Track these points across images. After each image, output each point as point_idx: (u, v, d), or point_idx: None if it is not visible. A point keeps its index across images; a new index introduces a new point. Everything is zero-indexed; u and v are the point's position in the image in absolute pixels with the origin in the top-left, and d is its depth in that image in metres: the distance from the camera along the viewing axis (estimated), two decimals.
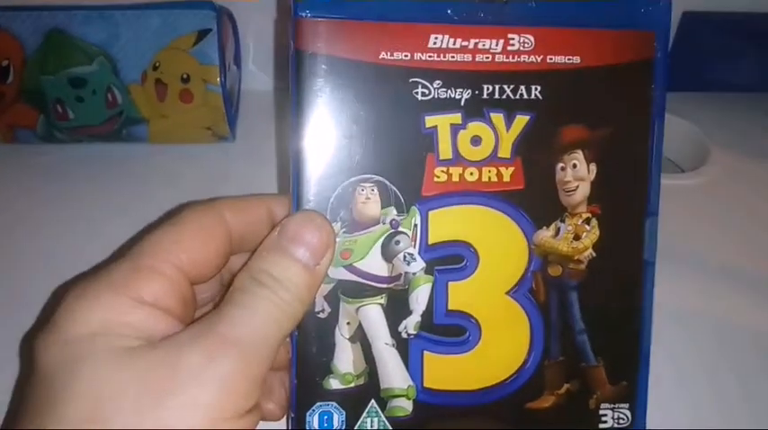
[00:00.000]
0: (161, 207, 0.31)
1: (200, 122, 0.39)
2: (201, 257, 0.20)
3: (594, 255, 0.22)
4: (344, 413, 0.21)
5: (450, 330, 0.22)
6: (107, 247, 0.30)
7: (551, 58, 0.21)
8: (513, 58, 0.21)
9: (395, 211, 0.21)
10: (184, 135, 0.40)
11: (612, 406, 0.23)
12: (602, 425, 0.23)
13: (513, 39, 0.21)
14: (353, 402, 0.21)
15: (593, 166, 0.22)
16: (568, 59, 0.21)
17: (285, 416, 0.22)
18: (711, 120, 0.44)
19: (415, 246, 0.21)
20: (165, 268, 0.19)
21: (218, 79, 0.38)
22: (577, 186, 0.22)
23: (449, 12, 0.20)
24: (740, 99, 0.47)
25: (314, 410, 0.21)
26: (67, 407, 0.16)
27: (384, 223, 0.21)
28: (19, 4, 0.37)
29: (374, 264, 0.21)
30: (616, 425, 0.23)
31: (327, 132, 0.20)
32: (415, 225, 0.21)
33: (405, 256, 0.21)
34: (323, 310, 0.21)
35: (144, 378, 0.16)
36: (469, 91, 0.21)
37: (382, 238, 0.21)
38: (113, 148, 0.40)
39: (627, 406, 0.23)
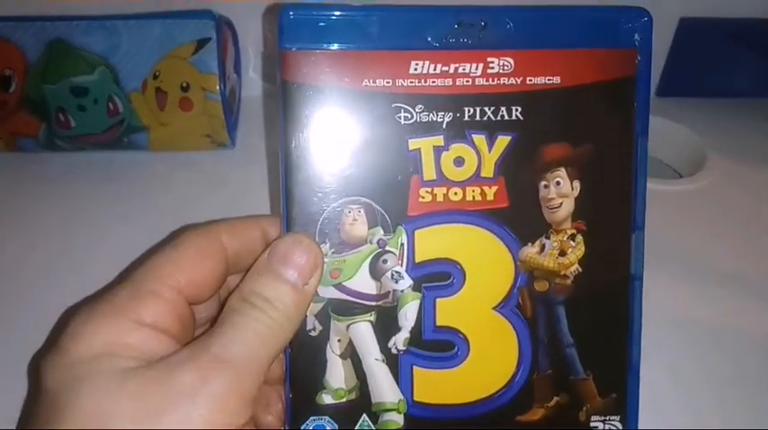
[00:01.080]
0: (162, 214, 0.32)
1: (200, 130, 0.40)
2: (199, 279, 0.21)
3: (580, 270, 0.23)
4: (337, 427, 0.22)
5: (439, 345, 0.22)
6: (110, 256, 0.32)
7: (531, 80, 0.21)
8: (494, 80, 0.21)
9: (382, 231, 0.22)
10: (184, 142, 0.41)
11: (603, 418, 0.23)
12: None
13: (492, 62, 0.21)
14: (346, 416, 0.22)
15: (576, 183, 0.22)
16: (548, 80, 0.22)
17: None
18: (709, 126, 0.44)
19: (402, 265, 0.22)
20: (165, 291, 0.20)
21: (218, 87, 0.38)
22: (561, 203, 0.22)
23: (429, 39, 0.21)
24: (737, 104, 0.47)
25: (308, 424, 0.22)
26: (69, 423, 0.17)
27: (371, 243, 0.22)
28: (22, 14, 0.38)
29: (363, 282, 0.22)
30: None
31: (315, 157, 0.21)
32: (402, 244, 0.22)
33: (392, 274, 0.22)
34: (314, 328, 0.22)
35: (140, 396, 0.17)
36: (451, 114, 0.21)
37: (370, 258, 0.22)
38: (114, 156, 0.41)
39: (617, 418, 0.23)
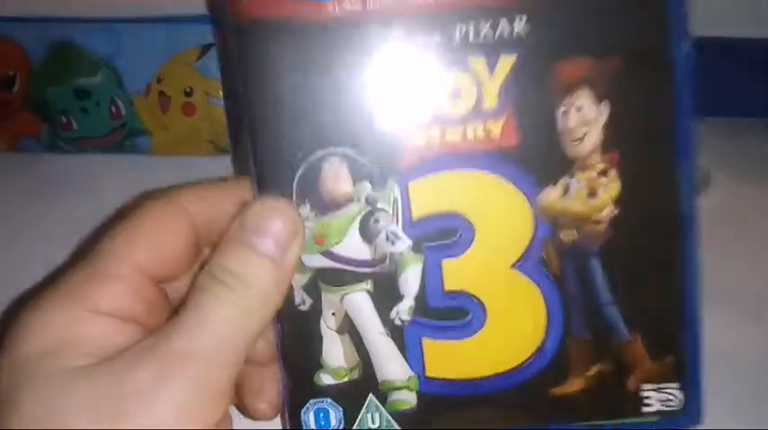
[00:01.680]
0: None
1: (203, 135, 0.40)
2: (164, 254, 0.18)
3: (616, 211, 0.19)
4: (342, 409, 0.19)
5: (450, 313, 0.19)
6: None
7: None
8: None
9: (369, 186, 0.19)
10: (186, 147, 0.40)
11: (657, 386, 0.19)
12: (645, 409, 0.20)
13: None
14: (350, 397, 0.19)
15: (603, 106, 0.18)
16: None
17: (280, 415, 0.20)
18: (714, 146, 0.41)
19: (397, 223, 0.19)
20: (123, 271, 0.17)
21: (221, 93, 0.38)
22: (585, 133, 0.18)
23: None
24: (743, 124, 0.44)
25: (308, 408, 0.20)
26: None
27: (359, 201, 0.19)
28: (27, 15, 0.38)
29: (353, 246, 0.19)
30: (664, 408, 0.20)
31: (282, 105, 0.18)
32: (395, 199, 0.19)
33: (387, 235, 0.19)
34: (303, 302, 0.19)
35: (92, 400, 0.15)
36: (438, 34, 0.18)
37: (359, 218, 0.19)
38: (116, 159, 0.40)
39: (677, 385, 0.19)
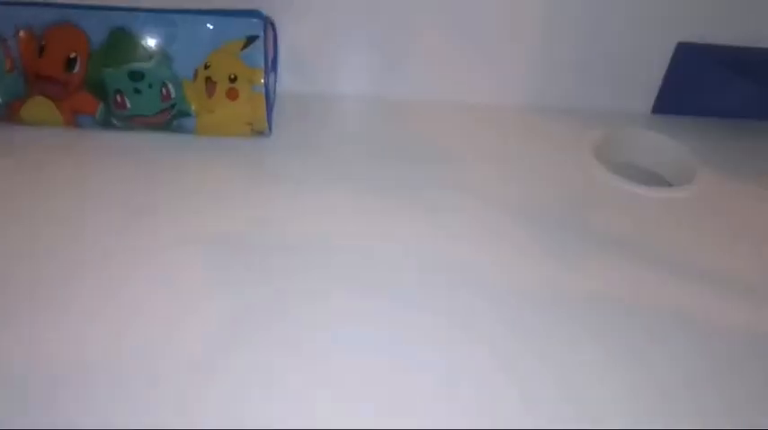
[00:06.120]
0: (204, 190, 0.36)
1: (243, 118, 0.44)
2: None
3: None
4: None
5: None
6: (156, 225, 0.36)
7: None
8: None
9: None
10: (227, 129, 0.44)
11: None
12: None
13: None
14: None
15: None
16: None
17: None
18: (699, 142, 0.48)
19: None
20: None
21: (262, 80, 0.42)
22: None
23: None
24: (726, 124, 0.50)
25: None
26: None
27: None
28: (90, 3, 0.42)
29: None
30: None
31: None
32: None
33: None
34: None
35: None
36: None
37: None
38: (163, 137, 0.44)
39: None
